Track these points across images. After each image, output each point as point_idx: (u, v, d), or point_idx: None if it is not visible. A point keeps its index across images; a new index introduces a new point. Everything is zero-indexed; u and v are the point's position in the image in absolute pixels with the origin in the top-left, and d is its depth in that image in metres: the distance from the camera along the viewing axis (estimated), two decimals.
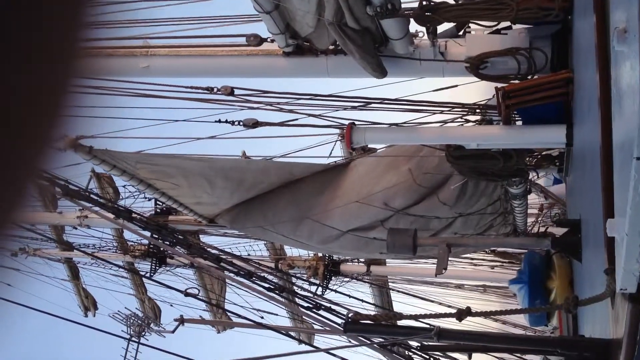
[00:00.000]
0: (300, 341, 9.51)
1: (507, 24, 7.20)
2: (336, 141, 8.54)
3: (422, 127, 8.07)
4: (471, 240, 9.51)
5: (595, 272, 4.48)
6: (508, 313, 5.01)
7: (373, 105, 8.41)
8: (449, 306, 14.31)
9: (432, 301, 16.05)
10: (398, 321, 5.27)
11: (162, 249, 13.74)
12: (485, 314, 4.89)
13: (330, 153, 8.66)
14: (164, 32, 8.17)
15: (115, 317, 15.56)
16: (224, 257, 7.91)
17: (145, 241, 13.64)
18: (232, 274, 7.00)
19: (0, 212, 0.59)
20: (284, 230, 9.73)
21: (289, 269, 15.64)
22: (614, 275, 3.29)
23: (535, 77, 7.04)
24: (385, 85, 8.03)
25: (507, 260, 15.36)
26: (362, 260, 15.84)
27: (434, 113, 8.50)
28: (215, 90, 7.85)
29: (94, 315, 17.63)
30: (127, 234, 14.78)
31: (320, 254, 15.43)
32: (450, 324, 5.33)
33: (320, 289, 14.65)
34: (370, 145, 9.13)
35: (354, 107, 8.35)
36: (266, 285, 6.75)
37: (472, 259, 15.54)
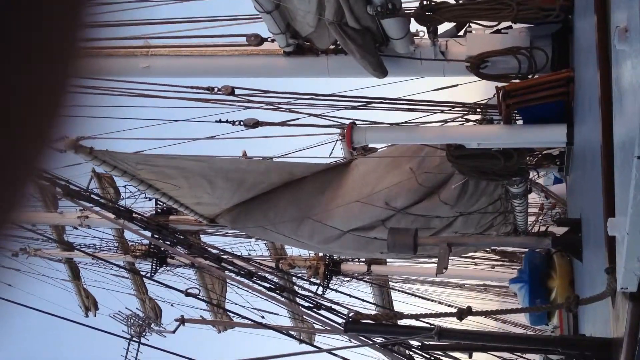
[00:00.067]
0: (301, 341, 9.51)
1: (508, 23, 7.20)
2: (337, 141, 8.54)
3: (423, 126, 8.06)
4: (472, 239, 9.51)
5: (595, 271, 4.48)
6: (508, 312, 5.01)
7: (374, 104, 8.41)
8: (450, 305, 14.33)
9: (432, 300, 16.06)
10: (399, 321, 5.27)
11: (162, 249, 13.74)
12: (486, 314, 4.90)
13: (331, 153, 8.67)
14: (165, 32, 8.17)
15: (116, 317, 15.59)
16: (224, 257, 7.90)
17: (146, 241, 13.65)
18: (232, 274, 7.00)
19: (0, 212, 0.59)
20: (285, 230, 9.73)
21: (290, 269, 15.64)
22: (614, 274, 3.29)
23: (536, 76, 7.03)
24: (385, 85, 8.03)
25: (507, 260, 15.36)
26: (362, 259, 15.84)
27: (435, 112, 8.50)
28: (215, 90, 7.85)
29: (95, 316, 17.65)
30: (128, 234, 14.79)
31: (320, 254, 15.44)
32: (451, 323, 5.34)
33: (320, 288, 14.65)
34: (370, 145, 9.13)
35: (354, 107, 8.35)
36: (267, 285, 6.74)
37: (472, 258, 15.54)
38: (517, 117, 7.59)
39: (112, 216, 8.34)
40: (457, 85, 8.33)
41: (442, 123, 8.52)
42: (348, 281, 16.11)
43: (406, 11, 6.78)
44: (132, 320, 15.41)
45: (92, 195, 7.51)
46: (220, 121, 7.71)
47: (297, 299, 7.34)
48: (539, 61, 6.97)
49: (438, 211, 9.43)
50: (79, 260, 16.99)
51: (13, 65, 0.55)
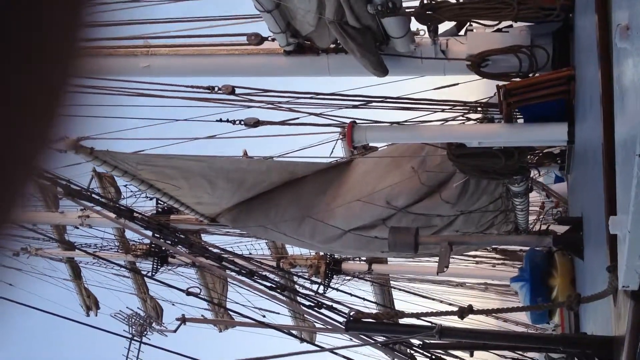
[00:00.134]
0: (302, 340, 9.51)
1: (508, 22, 7.19)
2: (337, 140, 8.54)
3: (424, 125, 8.06)
4: (473, 238, 9.50)
5: (597, 270, 4.47)
6: (510, 311, 5.00)
7: (374, 103, 8.41)
8: (451, 304, 14.33)
9: (433, 299, 16.07)
10: (400, 319, 5.27)
11: (163, 248, 13.75)
12: (487, 312, 4.89)
13: (332, 152, 8.66)
14: (165, 31, 8.17)
15: (117, 316, 15.61)
16: (225, 256, 7.90)
17: (147, 240, 13.65)
18: (233, 273, 7.00)
19: (0, 212, 0.59)
20: (286, 229, 9.73)
21: (291, 268, 15.65)
22: (616, 272, 3.29)
23: (537, 74, 7.03)
24: (386, 84, 8.02)
25: (508, 258, 15.37)
26: (363, 258, 15.84)
27: (435, 111, 8.50)
28: (216, 89, 7.85)
29: (96, 315, 17.67)
30: (129, 234, 14.80)
31: (321, 253, 15.44)
32: (452, 322, 5.34)
33: (321, 287, 14.65)
34: (371, 144, 9.13)
35: (355, 106, 8.35)
36: (268, 284, 6.74)
37: (474, 257, 15.55)
38: (518, 116, 7.58)
39: (113, 215, 8.33)
40: (457, 84, 8.33)
41: (443, 122, 8.51)
42: (349, 280, 16.12)
43: (406, 10, 6.77)
44: (133, 320, 15.43)
45: (93, 195, 7.51)
46: (220, 120, 7.71)
47: (298, 298, 7.34)
48: (540, 59, 6.96)
49: (439, 210, 9.43)
50: (80, 260, 17.02)
51: (13, 65, 0.55)
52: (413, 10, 6.82)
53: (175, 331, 7.09)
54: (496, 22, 7.17)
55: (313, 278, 15.40)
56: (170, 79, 7.95)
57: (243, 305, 8.48)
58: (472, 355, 5.33)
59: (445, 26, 7.48)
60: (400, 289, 16.53)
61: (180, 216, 12.83)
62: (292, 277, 14.09)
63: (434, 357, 5.59)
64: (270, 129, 7.94)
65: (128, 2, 7.40)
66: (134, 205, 10.69)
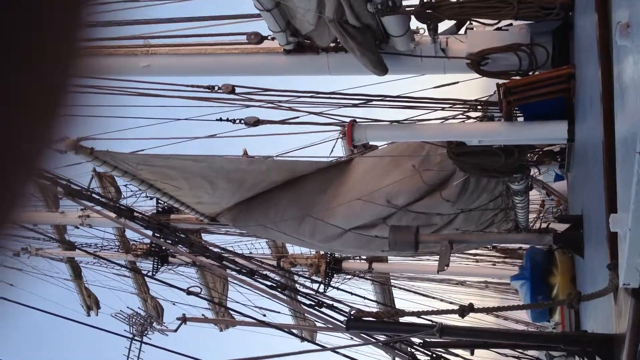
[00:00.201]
0: (303, 339, 9.52)
1: (508, 21, 7.19)
2: (337, 139, 8.53)
3: (424, 124, 8.05)
4: (473, 236, 9.50)
5: (597, 268, 4.47)
6: (510, 309, 5.00)
7: (374, 102, 8.40)
8: (451, 303, 14.34)
9: (434, 298, 16.08)
10: (400, 318, 5.27)
11: (164, 247, 13.75)
12: (488, 310, 4.89)
13: (332, 151, 8.66)
14: (165, 31, 8.16)
15: (118, 316, 15.61)
16: (226, 255, 7.90)
17: (147, 240, 13.65)
18: (234, 272, 7.00)
19: (0, 212, 0.59)
20: (286, 228, 9.73)
21: (291, 267, 15.65)
22: (616, 270, 3.29)
23: (537, 73, 7.03)
24: (386, 83, 8.02)
25: (508, 257, 15.37)
26: (363, 257, 15.85)
27: (435, 110, 8.50)
28: (216, 88, 7.85)
29: (97, 315, 17.67)
30: (129, 233, 14.80)
31: (322, 252, 15.44)
32: (453, 320, 5.34)
33: (322, 286, 14.65)
34: (371, 143, 9.12)
35: (355, 105, 8.34)
36: (268, 283, 6.75)
37: (474, 255, 15.55)
38: (518, 114, 7.58)
39: (113, 215, 8.34)
40: (457, 82, 8.32)
41: (443, 120, 8.51)
42: (349, 279, 16.12)
43: (406, 9, 6.77)
44: (134, 319, 15.43)
45: (93, 195, 7.51)
46: (220, 120, 7.71)
47: (299, 297, 7.34)
48: (540, 58, 6.96)
49: (439, 208, 9.43)
50: (80, 260, 17.02)
51: (13, 65, 0.55)
52: (413, 8, 6.81)
53: (176, 331, 7.09)
54: (496, 21, 7.16)
55: (313, 277, 15.40)
56: (170, 79, 7.95)
57: (244, 304, 8.50)
58: (472, 353, 5.34)
59: (445, 25, 7.48)
60: (400, 288, 16.55)
61: (181, 215, 12.83)
62: (292, 276, 14.09)
63: (434, 355, 5.59)
64: (270, 128, 7.95)
65: (128, 1, 7.40)
66: (134, 205, 10.69)
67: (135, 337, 14.22)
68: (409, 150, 9.40)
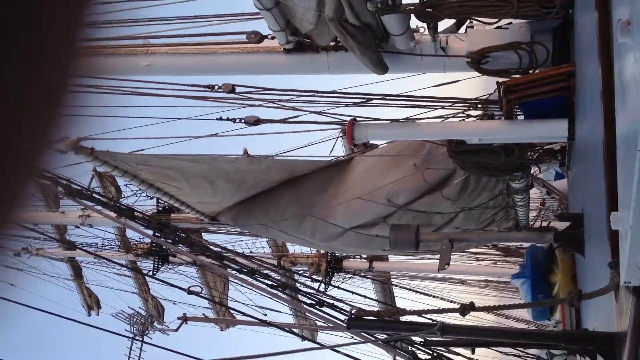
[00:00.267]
0: (304, 338, 9.52)
1: (508, 20, 7.19)
2: (337, 138, 8.53)
3: (424, 122, 8.05)
4: (473, 235, 9.50)
5: (598, 266, 4.47)
6: (511, 308, 5.00)
7: (374, 101, 8.40)
8: (452, 301, 14.33)
9: (434, 297, 16.08)
10: (401, 317, 5.27)
11: (164, 247, 13.76)
12: (488, 309, 4.89)
13: (332, 150, 8.65)
14: (165, 30, 8.16)
15: (119, 316, 15.62)
16: (226, 254, 7.90)
17: (148, 239, 13.66)
18: (235, 272, 7.01)
19: (0, 212, 0.59)
20: (287, 227, 9.73)
21: (292, 266, 15.65)
22: (617, 268, 3.28)
23: (537, 71, 7.02)
24: (386, 81, 8.02)
25: (509, 255, 15.37)
26: (364, 256, 15.85)
27: (436, 108, 8.49)
28: (216, 88, 7.85)
29: (97, 314, 17.69)
30: (130, 233, 14.82)
31: (322, 251, 15.44)
32: (454, 319, 5.34)
33: (322, 285, 14.65)
34: (372, 142, 9.12)
35: (355, 104, 8.34)
36: (269, 282, 6.75)
37: (474, 253, 15.55)
38: (518, 112, 7.58)
39: (113, 215, 8.35)
40: (457, 81, 8.32)
41: (443, 119, 8.50)
42: (350, 278, 16.12)
43: (406, 7, 6.77)
44: (134, 319, 15.44)
45: (94, 194, 7.51)
46: (221, 119, 7.71)
47: (300, 296, 7.34)
48: (540, 56, 6.95)
49: (439, 207, 9.43)
50: (81, 260, 17.02)
51: (13, 65, 0.55)
52: (413, 7, 6.81)
53: (176, 330, 7.10)
54: (496, 20, 7.16)
55: (314, 276, 15.40)
56: (170, 78, 7.96)
57: (244, 303, 8.51)
58: (473, 352, 5.34)
59: (445, 24, 7.47)
60: (401, 287, 16.54)
61: (181, 215, 12.83)
62: (293, 276, 14.09)
63: (435, 354, 5.59)
64: (270, 127, 7.95)
65: (128, 1, 7.39)
66: (135, 205, 10.69)
67: (136, 337, 14.23)
68: (409, 149, 9.39)
